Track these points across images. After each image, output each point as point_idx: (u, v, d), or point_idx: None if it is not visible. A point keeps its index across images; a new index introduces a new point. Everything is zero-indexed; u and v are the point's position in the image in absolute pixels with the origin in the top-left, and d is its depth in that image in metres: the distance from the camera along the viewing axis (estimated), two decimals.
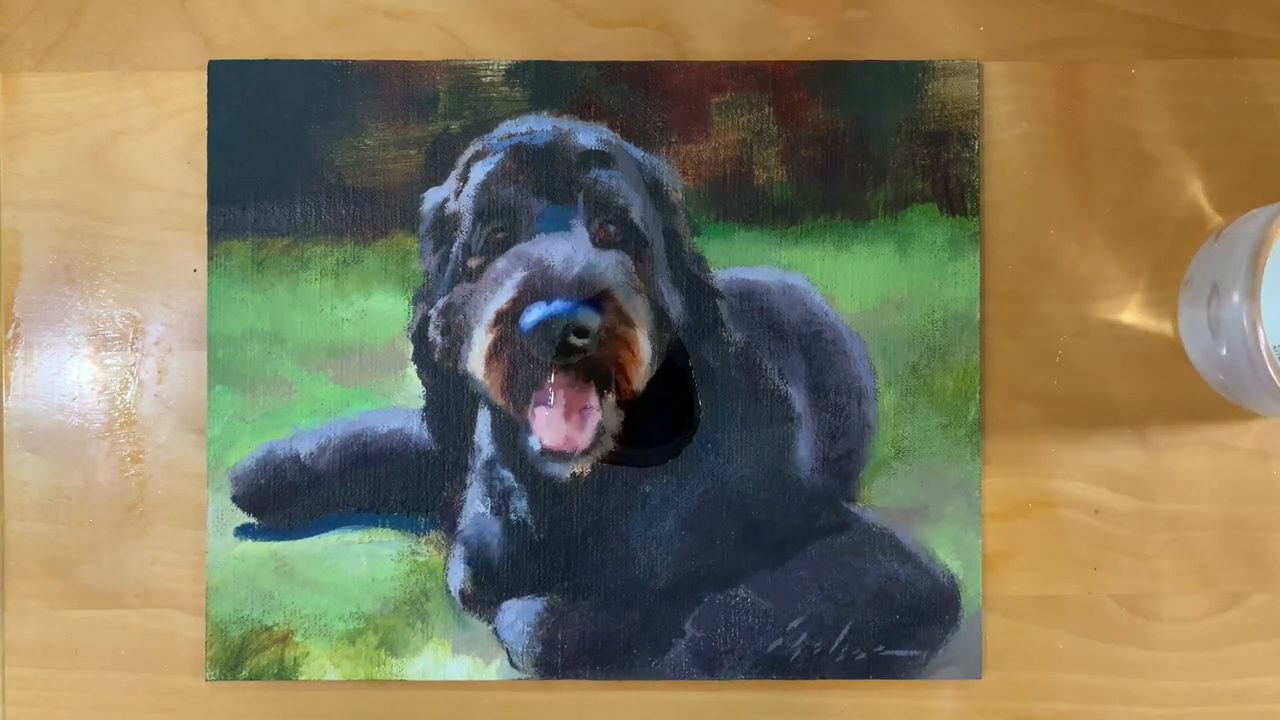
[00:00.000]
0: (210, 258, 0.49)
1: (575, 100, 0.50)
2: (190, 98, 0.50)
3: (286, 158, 0.49)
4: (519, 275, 0.49)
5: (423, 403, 0.49)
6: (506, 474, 0.49)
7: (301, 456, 0.49)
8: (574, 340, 0.48)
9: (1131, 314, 0.50)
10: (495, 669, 0.49)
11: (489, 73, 0.49)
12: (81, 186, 0.50)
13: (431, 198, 0.49)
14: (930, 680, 0.49)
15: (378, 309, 0.49)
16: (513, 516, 0.49)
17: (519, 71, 0.49)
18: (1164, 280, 0.50)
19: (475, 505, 0.49)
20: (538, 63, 0.50)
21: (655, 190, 0.49)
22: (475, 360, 0.49)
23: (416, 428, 0.49)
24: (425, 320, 0.49)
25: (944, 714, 0.49)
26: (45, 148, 0.50)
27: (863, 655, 0.49)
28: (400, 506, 0.49)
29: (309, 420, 0.49)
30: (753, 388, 0.49)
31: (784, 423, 0.49)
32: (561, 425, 0.48)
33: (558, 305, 0.49)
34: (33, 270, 0.50)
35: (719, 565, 0.49)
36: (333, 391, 0.49)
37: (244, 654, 0.49)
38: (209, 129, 0.49)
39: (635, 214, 0.49)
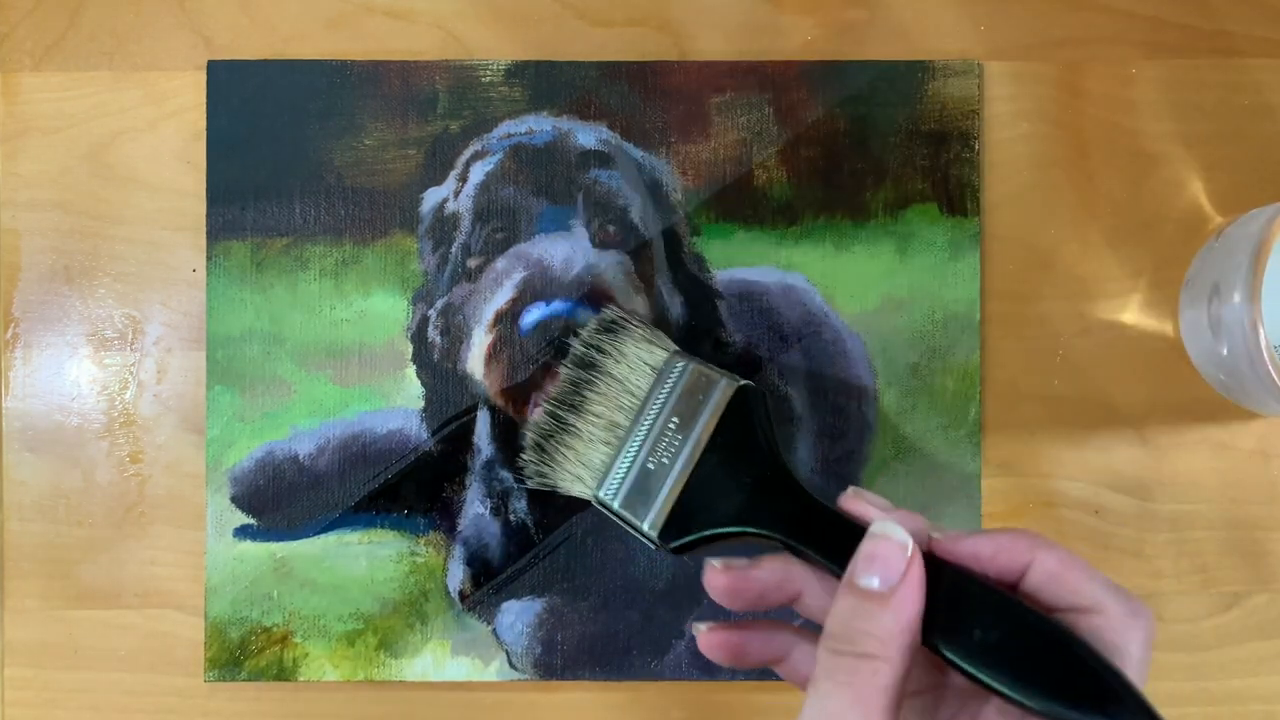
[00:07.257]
0: (209, 258, 0.49)
1: (575, 100, 0.49)
2: (190, 98, 0.50)
3: (286, 158, 0.49)
4: (518, 275, 0.49)
5: (422, 403, 0.49)
6: (506, 475, 0.49)
7: (300, 457, 0.49)
8: None
9: (1132, 314, 0.50)
10: (495, 670, 0.49)
11: (489, 73, 0.49)
12: (81, 186, 0.50)
13: (431, 198, 0.49)
14: None
15: (377, 309, 0.49)
16: (512, 517, 0.49)
17: (519, 71, 0.49)
18: (1164, 280, 0.50)
19: (475, 506, 0.49)
20: (537, 63, 0.49)
21: (655, 190, 0.49)
22: (475, 360, 0.49)
23: (416, 428, 0.49)
24: (424, 321, 0.49)
25: None
26: (45, 148, 0.50)
27: None
28: (399, 507, 0.49)
29: (308, 421, 0.49)
30: None
31: (784, 423, 0.49)
32: None
33: (557, 306, 0.49)
34: (32, 270, 0.50)
35: None
36: (332, 392, 0.49)
37: (243, 655, 0.49)
38: (208, 129, 0.49)
39: (635, 214, 0.49)
